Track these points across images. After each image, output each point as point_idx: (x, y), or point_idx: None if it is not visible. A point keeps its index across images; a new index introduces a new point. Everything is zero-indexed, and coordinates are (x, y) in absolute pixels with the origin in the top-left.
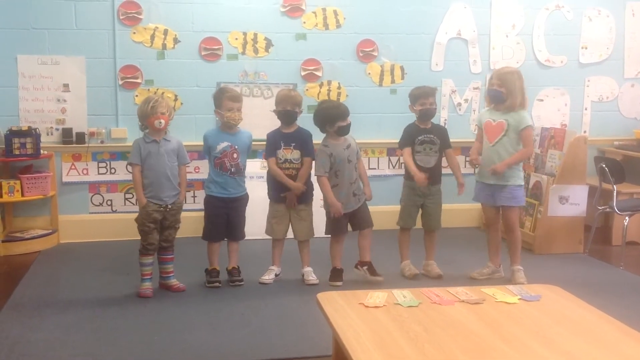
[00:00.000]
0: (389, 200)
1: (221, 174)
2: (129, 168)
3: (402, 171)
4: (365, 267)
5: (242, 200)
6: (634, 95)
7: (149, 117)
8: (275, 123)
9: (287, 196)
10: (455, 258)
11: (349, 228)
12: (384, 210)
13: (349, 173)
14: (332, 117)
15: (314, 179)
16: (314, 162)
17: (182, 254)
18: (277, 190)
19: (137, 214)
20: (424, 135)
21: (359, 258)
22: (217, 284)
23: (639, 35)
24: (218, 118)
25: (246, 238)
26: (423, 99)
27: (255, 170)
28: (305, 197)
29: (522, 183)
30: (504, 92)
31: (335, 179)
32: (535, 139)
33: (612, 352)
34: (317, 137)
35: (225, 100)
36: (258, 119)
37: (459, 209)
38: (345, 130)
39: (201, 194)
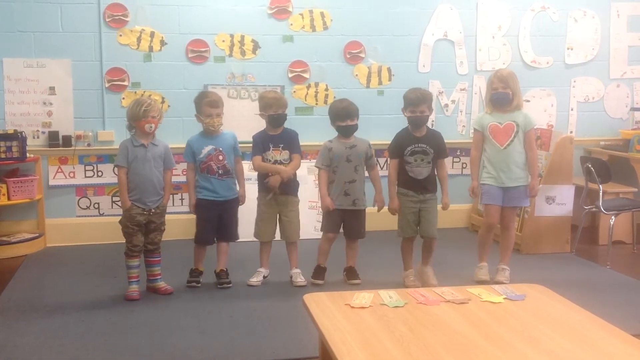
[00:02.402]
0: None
1: (208, 178)
2: (115, 170)
3: None
4: (344, 273)
5: (234, 202)
6: (620, 96)
7: (140, 120)
8: (263, 125)
9: (271, 180)
10: (444, 259)
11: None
12: (371, 212)
13: (344, 172)
14: (333, 115)
15: (300, 178)
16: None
17: (170, 257)
18: (263, 179)
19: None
20: (415, 145)
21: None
22: (194, 284)
23: (624, 36)
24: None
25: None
26: (413, 107)
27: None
28: (289, 189)
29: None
30: (511, 94)
31: (332, 175)
32: None
33: (596, 351)
34: (305, 139)
35: (204, 106)
36: (245, 121)
37: (448, 210)
38: (343, 131)
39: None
